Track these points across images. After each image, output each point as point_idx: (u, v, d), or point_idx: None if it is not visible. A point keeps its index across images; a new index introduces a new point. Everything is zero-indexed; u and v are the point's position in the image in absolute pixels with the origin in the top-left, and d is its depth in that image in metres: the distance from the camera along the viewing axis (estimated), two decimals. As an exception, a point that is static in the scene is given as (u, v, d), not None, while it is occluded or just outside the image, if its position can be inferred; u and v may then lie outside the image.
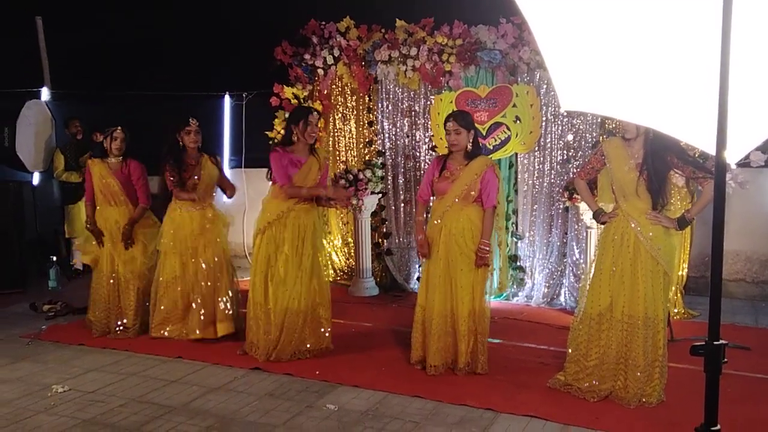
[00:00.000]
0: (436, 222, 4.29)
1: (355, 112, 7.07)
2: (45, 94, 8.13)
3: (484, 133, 6.31)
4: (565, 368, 3.97)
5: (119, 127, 5.29)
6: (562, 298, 6.12)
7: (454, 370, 4.27)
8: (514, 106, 6.17)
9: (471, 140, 4.28)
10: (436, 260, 4.26)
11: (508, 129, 6.22)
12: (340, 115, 7.12)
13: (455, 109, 6.38)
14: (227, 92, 8.27)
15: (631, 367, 3.75)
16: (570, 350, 3.96)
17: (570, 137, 6.03)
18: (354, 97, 7.04)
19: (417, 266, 6.76)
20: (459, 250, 4.18)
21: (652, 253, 3.70)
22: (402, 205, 6.92)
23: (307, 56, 6.99)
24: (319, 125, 4.61)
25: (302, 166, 4.57)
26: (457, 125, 4.24)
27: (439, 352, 4.23)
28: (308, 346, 4.63)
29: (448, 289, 4.23)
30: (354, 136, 7.10)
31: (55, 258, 7.19)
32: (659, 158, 3.75)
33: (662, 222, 3.75)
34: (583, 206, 5.45)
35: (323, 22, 6.89)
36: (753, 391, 3.93)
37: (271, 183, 4.68)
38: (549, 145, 6.13)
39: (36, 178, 8.01)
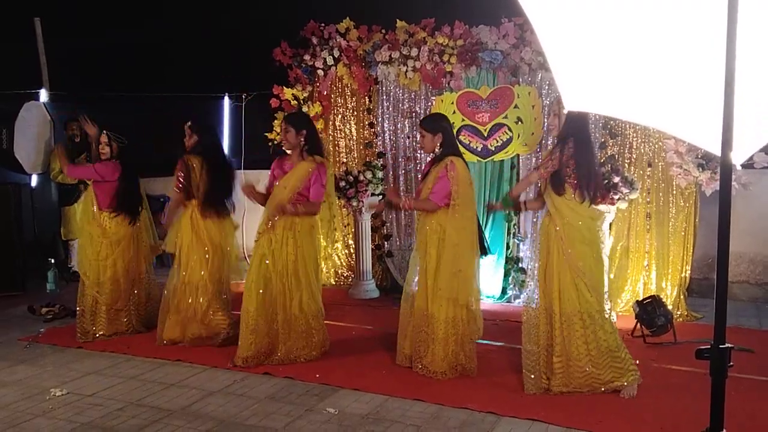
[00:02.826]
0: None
1: (355, 113, 7.04)
2: (43, 95, 8.10)
3: (486, 135, 6.28)
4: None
5: (103, 132, 5.31)
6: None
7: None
8: (516, 107, 6.15)
9: (439, 143, 4.27)
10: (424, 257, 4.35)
11: (510, 130, 6.19)
12: (340, 116, 7.09)
13: (456, 110, 6.37)
14: (226, 93, 8.24)
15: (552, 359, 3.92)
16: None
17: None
18: (354, 98, 7.02)
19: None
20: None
21: (566, 254, 3.86)
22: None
23: (306, 57, 6.97)
24: (288, 130, 4.54)
25: (288, 172, 4.59)
26: (421, 128, 4.35)
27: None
28: (299, 352, 4.58)
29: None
30: (354, 138, 7.07)
31: (53, 260, 7.16)
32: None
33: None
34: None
35: (323, 23, 6.87)
36: (758, 393, 3.89)
37: None
38: (551, 146, 6.09)
39: (34, 180, 7.99)
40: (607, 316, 3.92)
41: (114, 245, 5.32)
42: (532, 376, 3.94)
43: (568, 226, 3.88)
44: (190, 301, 5.02)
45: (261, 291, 4.48)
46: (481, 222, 6.34)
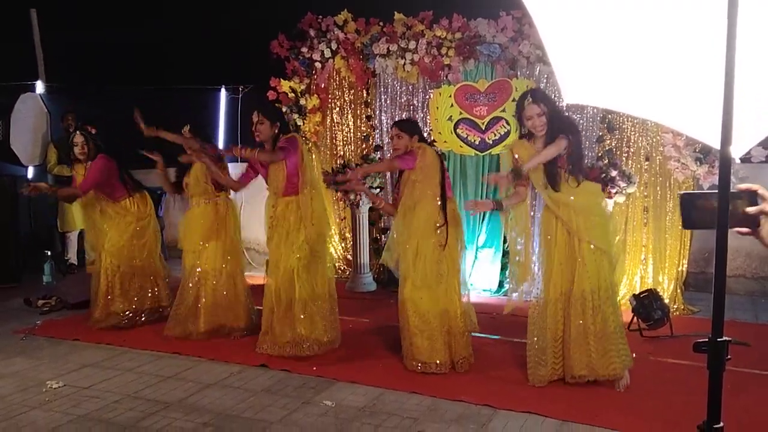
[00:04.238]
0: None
1: (352, 106, 7.02)
2: (39, 87, 8.07)
3: (484, 128, 6.27)
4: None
5: (77, 132, 5.34)
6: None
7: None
8: (514, 100, 6.12)
9: (412, 144, 4.38)
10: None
11: (508, 123, 6.19)
12: (337, 109, 7.08)
13: (454, 103, 6.37)
14: (223, 86, 8.21)
15: (565, 343, 3.89)
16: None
17: None
18: (352, 91, 7.00)
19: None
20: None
21: (585, 240, 3.82)
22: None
23: (304, 49, 6.94)
24: (262, 122, 4.55)
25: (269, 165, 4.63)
26: (400, 130, 4.40)
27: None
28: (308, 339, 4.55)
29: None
30: (352, 131, 7.05)
31: (49, 253, 7.15)
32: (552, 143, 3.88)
33: (479, 208, 4.26)
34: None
35: (320, 16, 6.85)
36: (753, 387, 3.90)
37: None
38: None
39: (30, 172, 7.96)
40: (617, 291, 4.00)
41: (146, 221, 5.50)
42: (539, 369, 3.93)
43: (581, 216, 3.86)
44: (225, 293, 5.09)
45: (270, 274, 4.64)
46: (477, 217, 6.39)
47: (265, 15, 7.98)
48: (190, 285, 5.08)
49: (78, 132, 5.35)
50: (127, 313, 5.35)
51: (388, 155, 6.76)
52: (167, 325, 5.07)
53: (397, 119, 6.72)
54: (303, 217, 4.53)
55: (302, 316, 4.48)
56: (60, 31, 8.62)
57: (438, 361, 4.18)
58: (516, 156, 3.98)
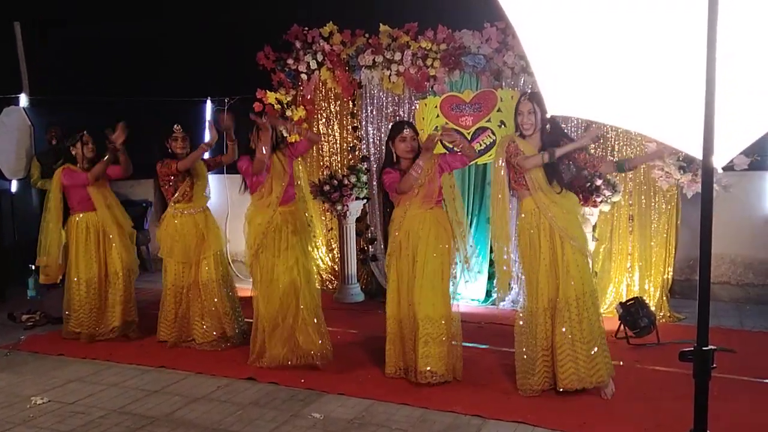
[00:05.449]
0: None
1: (338, 117, 7.03)
2: (23, 100, 8.00)
3: (469, 138, 6.30)
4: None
5: (85, 132, 5.34)
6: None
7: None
8: (499, 110, 6.17)
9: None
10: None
11: (493, 134, 6.22)
12: (323, 120, 7.08)
13: (440, 114, 6.40)
14: (209, 97, 8.19)
15: (554, 352, 3.90)
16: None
17: None
18: (338, 102, 7.01)
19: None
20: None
21: (568, 239, 3.86)
22: (387, 210, 6.87)
23: (290, 61, 6.95)
24: (263, 129, 4.54)
25: (270, 167, 4.60)
26: (414, 133, 4.39)
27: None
28: (309, 351, 4.53)
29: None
30: (338, 142, 7.06)
31: (34, 267, 7.06)
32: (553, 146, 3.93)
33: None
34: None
35: (306, 27, 6.86)
36: (739, 393, 3.93)
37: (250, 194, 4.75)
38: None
39: (14, 186, 7.88)
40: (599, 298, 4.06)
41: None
42: (529, 378, 3.94)
43: (569, 214, 3.94)
44: (222, 302, 5.15)
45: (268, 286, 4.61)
46: (466, 225, 6.40)
47: (250, 27, 7.97)
48: (183, 297, 5.12)
49: (85, 132, 5.35)
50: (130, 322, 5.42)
51: (376, 166, 6.80)
52: (202, 342, 5.08)
53: (383, 130, 6.76)
54: (303, 225, 4.69)
55: (309, 327, 4.50)
56: (45, 40, 8.55)
57: (446, 371, 4.15)
58: (518, 147, 3.98)
